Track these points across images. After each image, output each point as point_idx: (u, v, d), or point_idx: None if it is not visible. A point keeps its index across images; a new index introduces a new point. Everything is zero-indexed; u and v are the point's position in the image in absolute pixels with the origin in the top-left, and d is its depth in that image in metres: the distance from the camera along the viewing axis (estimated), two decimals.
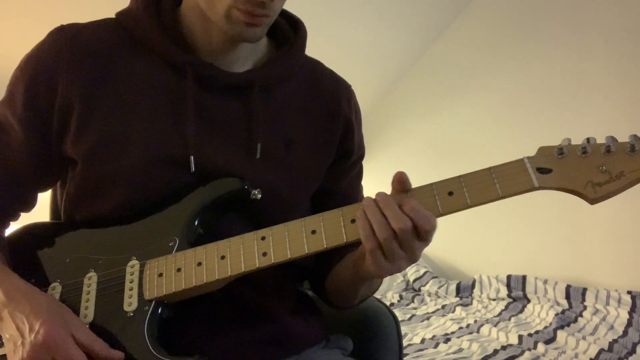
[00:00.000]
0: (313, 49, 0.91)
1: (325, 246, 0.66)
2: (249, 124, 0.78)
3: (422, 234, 0.61)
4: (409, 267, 3.10)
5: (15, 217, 0.85)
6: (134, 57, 0.77)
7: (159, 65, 0.77)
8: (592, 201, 0.60)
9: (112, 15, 0.81)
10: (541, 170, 0.61)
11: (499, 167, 0.63)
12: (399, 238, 0.61)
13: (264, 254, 0.67)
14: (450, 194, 0.63)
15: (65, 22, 0.79)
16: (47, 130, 0.76)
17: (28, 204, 0.85)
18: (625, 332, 1.83)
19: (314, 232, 0.67)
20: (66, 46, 0.75)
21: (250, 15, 0.69)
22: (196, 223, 0.74)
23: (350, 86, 0.92)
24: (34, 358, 0.64)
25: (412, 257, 0.63)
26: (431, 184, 0.64)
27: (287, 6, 0.86)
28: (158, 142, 0.74)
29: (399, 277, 3.13)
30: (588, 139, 0.61)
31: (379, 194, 0.64)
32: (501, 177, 0.62)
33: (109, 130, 0.74)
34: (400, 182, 0.65)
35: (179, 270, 0.70)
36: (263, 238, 0.68)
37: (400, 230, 0.60)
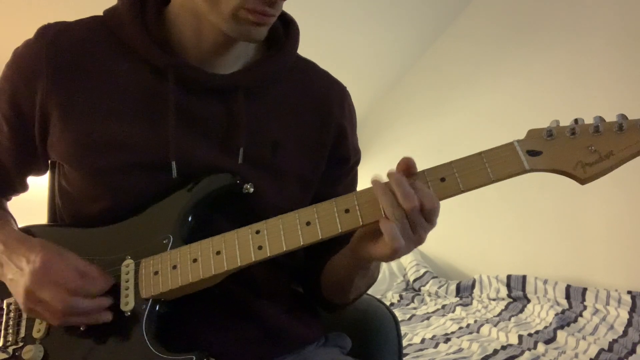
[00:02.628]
0: (311, 52, 0.90)
1: (320, 237, 0.66)
2: (232, 128, 0.77)
3: (426, 214, 0.62)
4: (409, 267, 3.10)
5: (6, 198, 0.89)
6: (116, 59, 0.76)
7: (141, 67, 0.76)
8: (583, 181, 0.60)
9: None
10: (531, 153, 0.62)
11: (489, 151, 0.63)
12: (409, 218, 0.61)
13: (260, 248, 0.67)
14: (443, 179, 0.63)
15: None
16: (29, 130, 0.77)
17: (17, 189, 0.88)
18: (625, 332, 1.83)
19: (308, 223, 0.66)
20: (48, 49, 0.74)
21: (260, 15, 0.69)
22: (190, 219, 0.74)
23: (344, 88, 0.90)
24: (35, 282, 0.67)
25: (419, 240, 0.63)
26: (423, 171, 0.64)
27: (285, 9, 0.86)
28: (137, 147, 0.74)
29: (398, 277, 3.13)
30: (576, 120, 0.62)
31: (391, 173, 0.64)
32: (492, 161, 0.62)
33: (88, 135, 0.73)
34: (408, 166, 0.64)
35: (174, 267, 0.70)
36: (258, 232, 0.68)
37: (410, 209, 0.61)
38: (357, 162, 0.92)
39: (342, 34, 2.92)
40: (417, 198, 0.61)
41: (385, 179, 0.65)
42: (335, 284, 0.85)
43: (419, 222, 0.62)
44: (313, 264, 0.87)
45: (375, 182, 0.64)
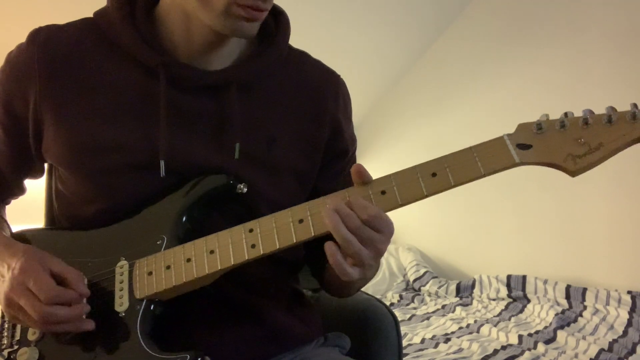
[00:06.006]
0: (312, 50, 0.90)
1: (312, 234, 0.66)
2: (226, 124, 0.77)
3: (371, 225, 0.62)
4: (409, 267, 3.10)
5: (4, 202, 0.89)
6: (108, 60, 0.76)
7: (132, 67, 0.76)
8: (573, 173, 0.60)
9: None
10: (521, 146, 0.62)
11: (479, 145, 0.64)
12: (357, 235, 0.62)
13: (253, 246, 0.67)
14: (434, 175, 0.64)
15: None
16: (24, 134, 0.78)
17: (14, 193, 0.88)
18: (625, 332, 1.83)
19: (301, 221, 0.67)
20: (39, 52, 0.75)
21: (253, 10, 0.69)
22: (184, 220, 0.74)
23: (338, 77, 0.90)
24: (12, 289, 0.67)
25: (378, 252, 0.64)
26: (414, 167, 0.65)
27: (286, 8, 0.86)
28: (129, 148, 0.74)
29: (398, 277, 3.13)
30: (566, 113, 0.62)
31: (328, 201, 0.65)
32: (482, 155, 0.63)
33: (79, 136, 0.74)
34: (358, 174, 0.66)
35: (168, 267, 0.70)
36: (251, 230, 0.68)
37: (354, 227, 0.62)
38: (354, 150, 0.92)
39: (343, 32, 2.92)
40: (358, 216, 0.62)
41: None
42: (337, 289, 0.87)
43: (368, 235, 0.62)
44: (316, 257, 0.87)
45: (325, 214, 0.64)
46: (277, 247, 0.67)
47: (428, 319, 2.42)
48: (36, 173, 0.86)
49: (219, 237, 0.70)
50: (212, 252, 0.69)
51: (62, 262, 0.71)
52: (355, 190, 0.67)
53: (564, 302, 2.18)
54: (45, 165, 0.86)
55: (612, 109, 0.60)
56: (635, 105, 0.59)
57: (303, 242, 0.67)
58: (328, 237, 0.67)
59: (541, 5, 2.57)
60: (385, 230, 0.64)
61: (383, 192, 0.65)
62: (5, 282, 0.68)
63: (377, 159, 3.52)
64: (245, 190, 0.75)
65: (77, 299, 0.69)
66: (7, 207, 0.91)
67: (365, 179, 0.66)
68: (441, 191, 0.64)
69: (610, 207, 2.20)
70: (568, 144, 0.60)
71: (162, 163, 0.73)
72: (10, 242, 0.75)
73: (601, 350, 1.67)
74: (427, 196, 0.64)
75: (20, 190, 0.88)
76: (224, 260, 0.68)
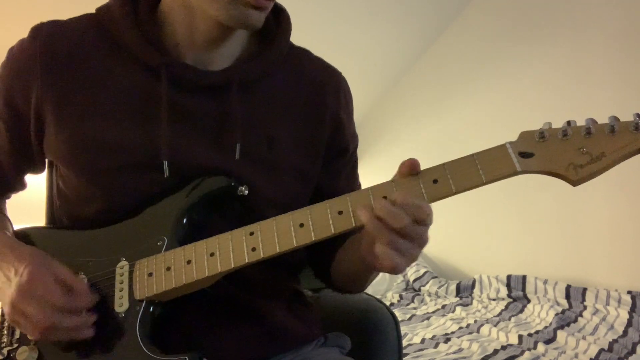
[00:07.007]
0: (313, 49, 0.90)
1: (313, 239, 0.66)
2: (227, 124, 0.76)
3: (420, 222, 0.61)
4: (409, 267, 3.10)
5: (4, 197, 0.89)
6: (110, 58, 0.76)
7: (134, 66, 0.75)
8: (575, 183, 0.60)
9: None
10: (523, 155, 0.62)
11: (481, 153, 0.63)
12: (403, 234, 0.61)
13: (253, 249, 0.67)
14: (435, 181, 0.63)
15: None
16: (25, 129, 0.77)
17: (15, 188, 0.88)
18: (625, 332, 1.83)
19: (302, 225, 0.66)
20: (41, 48, 0.74)
21: None
22: (184, 221, 0.74)
23: (339, 74, 0.89)
24: (20, 295, 0.67)
25: (421, 242, 0.63)
26: (416, 173, 0.65)
27: (287, 5, 0.86)
28: (130, 147, 0.73)
29: (399, 277, 3.14)
30: (569, 122, 0.62)
31: (375, 204, 0.63)
32: (484, 163, 0.62)
33: (80, 135, 0.73)
34: (410, 168, 0.64)
35: (168, 269, 0.70)
36: (252, 233, 0.68)
37: (401, 228, 0.60)
38: (356, 147, 0.92)
39: (344, 30, 2.92)
40: (407, 215, 0.60)
41: (387, 177, 0.65)
42: (349, 282, 0.86)
43: (414, 231, 0.61)
44: (322, 254, 0.87)
45: (362, 212, 0.63)
46: (278, 250, 0.67)
47: (428, 319, 2.43)
48: (37, 168, 0.86)
49: (220, 240, 0.69)
50: (212, 254, 0.69)
51: (68, 269, 0.71)
52: (358, 193, 0.66)
53: (564, 302, 2.18)
54: (47, 162, 0.86)
55: (615, 118, 0.59)
56: (638, 115, 0.59)
57: (303, 246, 0.67)
58: (329, 239, 0.67)
59: (541, 5, 2.56)
60: (430, 221, 0.62)
61: (385, 198, 0.65)
62: (12, 286, 0.67)
63: (378, 159, 3.51)
64: (246, 192, 0.74)
65: (82, 309, 0.69)
66: (7, 206, 0.90)
67: (414, 170, 0.64)
68: (442, 198, 0.63)
69: (610, 207, 2.20)
70: (570, 153, 0.60)
71: (165, 163, 0.73)
72: (15, 243, 0.75)
73: (601, 350, 1.67)
74: (428, 202, 0.64)
75: (20, 186, 0.88)
76: (224, 263, 0.68)
